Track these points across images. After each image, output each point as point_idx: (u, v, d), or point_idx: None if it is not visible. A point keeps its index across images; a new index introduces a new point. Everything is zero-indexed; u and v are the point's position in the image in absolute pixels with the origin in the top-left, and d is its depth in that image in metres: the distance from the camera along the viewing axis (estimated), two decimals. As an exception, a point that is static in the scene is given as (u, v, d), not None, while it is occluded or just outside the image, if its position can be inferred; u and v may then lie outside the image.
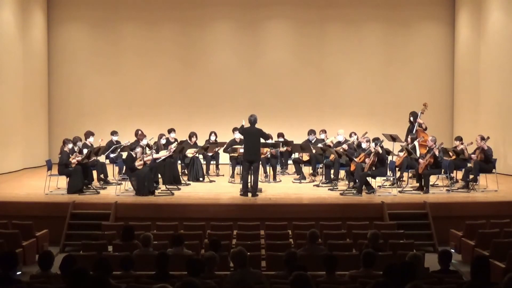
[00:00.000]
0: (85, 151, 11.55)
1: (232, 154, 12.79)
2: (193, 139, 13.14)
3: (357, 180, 11.14)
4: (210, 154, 13.26)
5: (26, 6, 14.97)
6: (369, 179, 11.16)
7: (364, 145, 11.43)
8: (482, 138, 11.39)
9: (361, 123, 15.28)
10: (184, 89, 16.43)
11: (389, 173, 11.56)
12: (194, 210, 10.06)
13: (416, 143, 11.95)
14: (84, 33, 16.38)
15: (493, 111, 14.20)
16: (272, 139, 13.02)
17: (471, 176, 11.46)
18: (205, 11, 16.31)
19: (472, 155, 11.56)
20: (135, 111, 16.11)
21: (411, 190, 11.42)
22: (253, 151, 10.88)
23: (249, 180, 10.86)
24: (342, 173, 12.50)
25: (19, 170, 14.57)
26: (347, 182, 11.88)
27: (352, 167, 11.36)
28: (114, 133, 12.85)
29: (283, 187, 12.08)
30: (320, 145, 12.57)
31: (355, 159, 11.32)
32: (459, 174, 12.33)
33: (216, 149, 13.27)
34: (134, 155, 10.94)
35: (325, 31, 16.46)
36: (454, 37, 16.38)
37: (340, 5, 16.42)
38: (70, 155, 11.09)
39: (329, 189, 11.58)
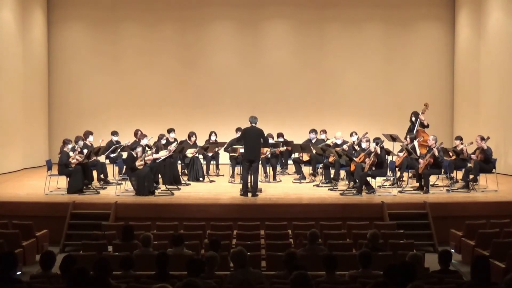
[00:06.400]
0: (85, 151, 11.54)
1: (232, 154, 12.78)
2: (193, 138, 13.13)
3: (357, 180, 11.14)
4: (210, 154, 13.25)
5: (26, 6, 14.97)
6: (369, 179, 11.15)
7: (364, 145, 11.42)
8: (482, 138, 11.39)
9: (361, 123, 15.28)
10: (184, 89, 16.42)
11: (389, 173, 11.57)
12: (194, 210, 10.07)
13: (415, 142, 11.94)
14: (84, 33, 16.38)
15: (493, 111, 14.20)
16: (273, 138, 13.02)
17: (471, 176, 11.45)
18: (205, 11, 16.31)
19: (472, 155, 11.55)
20: (135, 111, 16.10)
21: (411, 190, 11.41)
22: (254, 151, 10.86)
23: (249, 180, 10.86)
24: (342, 173, 12.50)
25: (19, 170, 14.56)
26: (347, 182, 11.88)
27: (352, 167, 11.36)
28: (114, 133, 12.85)
29: (283, 187, 12.07)
30: (320, 145, 12.57)
31: (355, 159, 11.32)
32: (459, 174, 12.32)
33: (216, 149, 13.27)
34: (135, 155, 10.94)
35: (325, 31, 16.46)
36: (454, 37, 16.37)
37: (340, 5, 16.41)
38: (70, 155, 11.09)
39: (329, 189, 11.57)
